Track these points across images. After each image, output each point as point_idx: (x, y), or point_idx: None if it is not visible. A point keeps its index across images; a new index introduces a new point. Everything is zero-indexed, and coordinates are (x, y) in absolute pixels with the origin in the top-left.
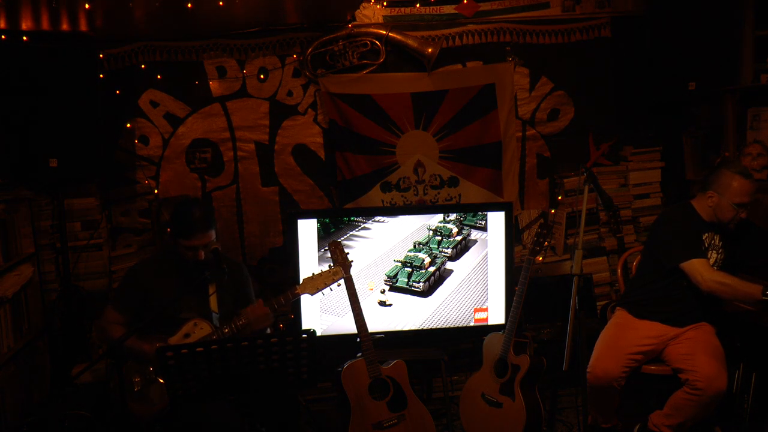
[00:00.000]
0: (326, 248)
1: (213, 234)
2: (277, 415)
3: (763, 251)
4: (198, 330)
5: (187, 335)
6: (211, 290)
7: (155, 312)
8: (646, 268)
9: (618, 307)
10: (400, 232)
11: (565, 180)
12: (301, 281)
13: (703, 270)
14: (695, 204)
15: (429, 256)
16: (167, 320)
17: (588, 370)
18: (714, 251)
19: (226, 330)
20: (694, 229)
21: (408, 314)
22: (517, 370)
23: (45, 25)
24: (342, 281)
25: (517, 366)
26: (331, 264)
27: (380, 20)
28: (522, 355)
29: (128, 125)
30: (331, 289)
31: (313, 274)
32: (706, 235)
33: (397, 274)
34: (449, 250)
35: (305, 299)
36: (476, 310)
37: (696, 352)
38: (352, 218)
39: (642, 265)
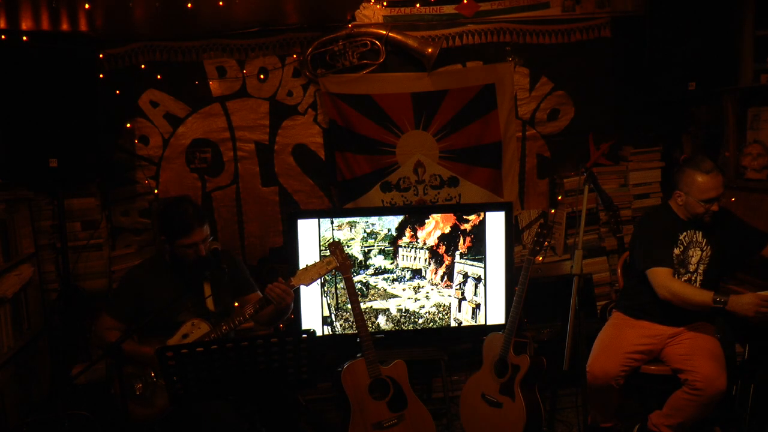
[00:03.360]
0: (326, 248)
1: (208, 228)
2: (277, 415)
3: (749, 242)
4: (196, 330)
5: (185, 336)
6: (207, 291)
7: (152, 316)
8: (633, 271)
9: (614, 310)
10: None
11: (565, 180)
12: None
13: (660, 279)
14: (672, 203)
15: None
16: (165, 323)
17: (587, 369)
18: (697, 248)
19: (225, 328)
20: (667, 233)
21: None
22: (517, 370)
23: (45, 25)
24: (336, 270)
25: (517, 366)
26: (332, 270)
27: (380, 20)
28: (522, 355)
29: (128, 125)
30: (326, 279)
31: (307, 265)
32: (685, 233)
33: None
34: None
35: (305, 299)
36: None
37: (695, 352)
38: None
39: (630, 268)
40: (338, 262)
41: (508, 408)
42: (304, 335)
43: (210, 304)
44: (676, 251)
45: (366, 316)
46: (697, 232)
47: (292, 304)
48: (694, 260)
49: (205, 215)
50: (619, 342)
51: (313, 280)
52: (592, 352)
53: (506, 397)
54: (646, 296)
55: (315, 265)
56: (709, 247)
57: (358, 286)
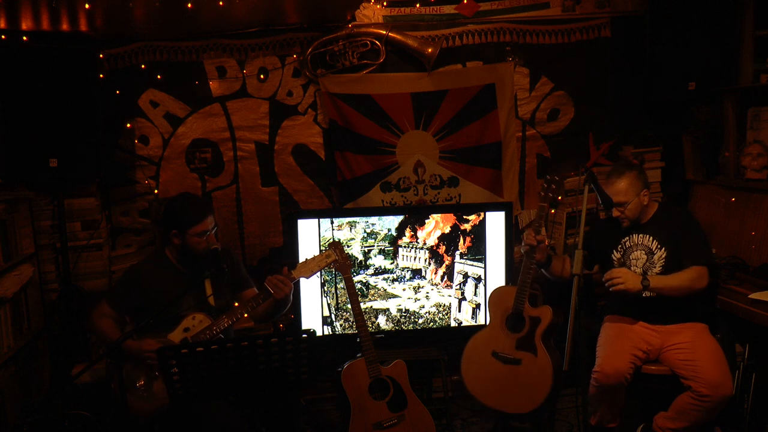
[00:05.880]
0: (326, 248)
1: (213, 218)
2: (277, 415)
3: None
4: (197, 323)
5: (186, 329)
6: (208, 289)
7: (155, 314)
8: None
9: (605, 315)
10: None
11: (565, 180)
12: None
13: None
14: None
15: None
16: (166, 317)
17: (596, 370)
18: (641, 251)
19: (226, 321)
20: (604, 238)
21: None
22: (536, 323)
23: (45, 25)
24: (336, 270)
25: (536, 318)
26: (331, 264)
27: (380, 20)
28: (542, 306)
29: (128, 125)
30: (324, 271)
31: (306, 258)
32: (627, 238)
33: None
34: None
35: (305, 299)
36: None
37: (697, 357)
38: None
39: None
40: (337, 256)
41: (529, 364)
42: (304, 335)
43: (211, 301)
44: (616, 255)
45: (366, 316)
46: (643, 235)
47: (291, 298)
48: (639, 263)
49: (210, 204)
50: (623, 339)
51: (313, 273)
52: (600, 353)
53: (526, 352)
54: (612, 293)
55: (315, 258)
56: (664, 251)
57: (358, 286)
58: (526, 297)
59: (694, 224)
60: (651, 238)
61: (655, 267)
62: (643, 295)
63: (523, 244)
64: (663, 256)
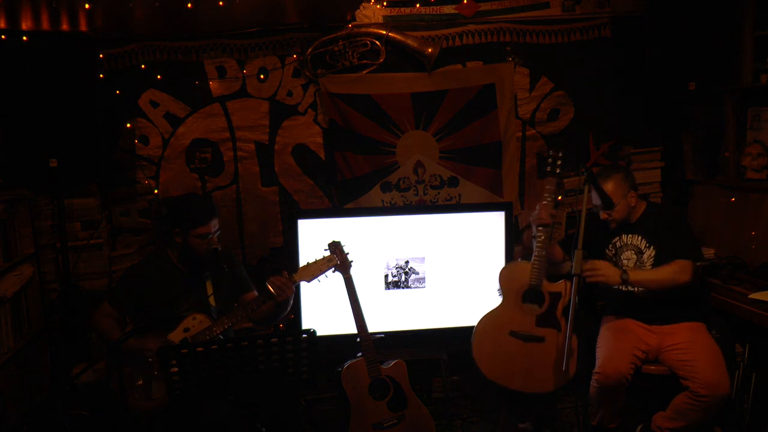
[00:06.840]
0: (326, 248)
1: (217, 221)
2: (277, 415)
3: (677, 229)
4: (197, 323)
5: (186, 329)
6: (209, 289)
7: (154, 314)
8: None
9: (603, 315)
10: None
11: (565, 180)
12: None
13: None
14: None
15: None
16: (166, 317)
17: (597, 371)
18: (631, 251)
19: (226, 323)
20: (597, 235)
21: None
22: (557, 298)
23: (45, 25)
24: (336, 269)
25: (557, 294)
26: (333, 267)
27: (380, 20)
28: (561, 280)
29: (128, 125)
30: (326, 276)
31: (308, 262)
32: (617, 238)
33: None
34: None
35: (306, 298)
36: None
37: (695, 357)
38: None
39: None
40: (338, 258)
41: (554, 340)
42: (304, 335)
43: (212, 301)
44: (609, 254)
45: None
46: (632, 236)
47: (291, 301)
48: (630, 263)
49: (215, 207)
50: (622, 340)
51: (314, 277)
52: (600, 354)
53: (549, 329)
54: (610, 293)
55: (316, 262)
56: (653, 249)
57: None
58: (544, 272)
59: (681, 220)
60: (640, 237)
61: (645, 266)
62: (623, 289)
63: (534, 217)
64: (652, 254)
